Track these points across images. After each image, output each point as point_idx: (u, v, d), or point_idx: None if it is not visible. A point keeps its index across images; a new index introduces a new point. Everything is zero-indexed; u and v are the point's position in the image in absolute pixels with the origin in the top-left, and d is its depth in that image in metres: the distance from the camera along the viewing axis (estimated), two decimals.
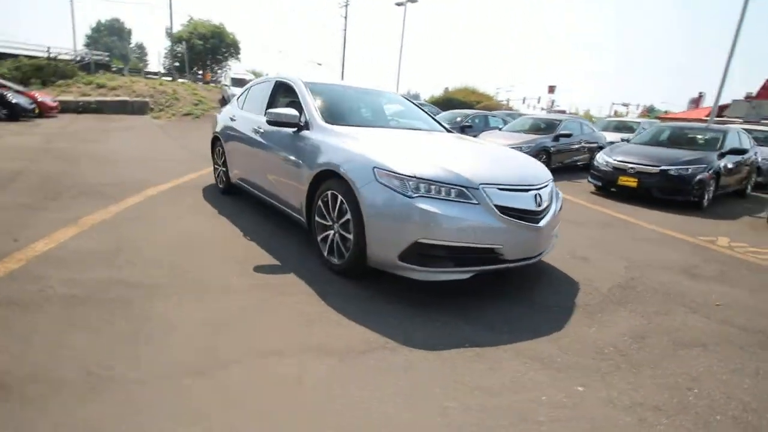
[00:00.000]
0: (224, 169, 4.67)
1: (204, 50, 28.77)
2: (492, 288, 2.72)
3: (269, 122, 3.24)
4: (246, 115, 4.20)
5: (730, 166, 6.49)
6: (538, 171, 2.86)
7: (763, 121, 19.76)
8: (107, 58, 19.14)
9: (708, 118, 23.48)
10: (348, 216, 2.54)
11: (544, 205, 2.60)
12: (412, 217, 2.24)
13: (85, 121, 11.93)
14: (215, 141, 4.91)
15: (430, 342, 2.04)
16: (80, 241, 3.02)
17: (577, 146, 9.15)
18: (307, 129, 3.13)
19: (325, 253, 2.84)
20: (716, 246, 4.31)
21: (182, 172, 5.83)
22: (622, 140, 7.99)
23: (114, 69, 18.93)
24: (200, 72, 29.25)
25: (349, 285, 2.61)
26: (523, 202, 2.47)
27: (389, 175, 2.34)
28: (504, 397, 1.69)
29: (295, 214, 3.27)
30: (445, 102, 23.89)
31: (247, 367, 1.76)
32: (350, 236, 2.56)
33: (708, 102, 34.19)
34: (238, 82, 16.63)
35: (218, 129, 4.76)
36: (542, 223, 2.54)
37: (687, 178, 5.91)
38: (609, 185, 6.52)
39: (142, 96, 15.56)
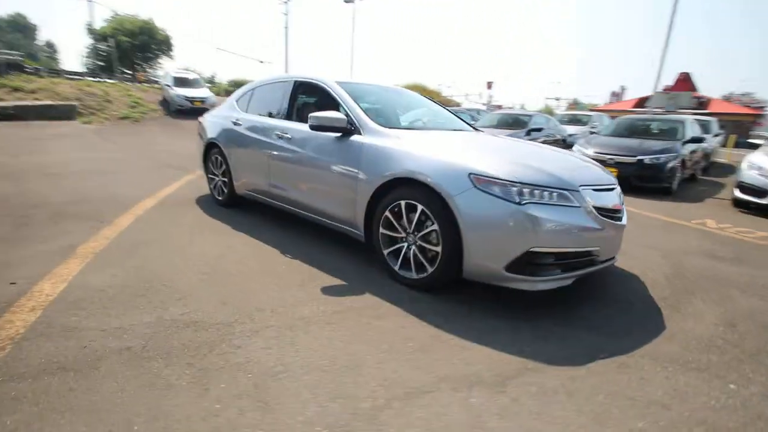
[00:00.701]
0: (224, 179, 4.18)
1: (132, 48, 25.93)
2: (563, 291, 2.66)
3: (313, 127, 2.91)
4: (257, 119, 3.77)
5: (691, 153, 7.15)
6: (605, 169, 2.86)
7: (678, 111, 22.33)
8: (20, 58, 16.56)
9: (636, 109, 25.81)
10: (434, 227, 2.33)
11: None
12: (523, 226, 2.09)
13: (5, 129, 10.27)
14: (210, 149, 4.38)
15: (567, 357, 1.91)
16: (94, 277, 2.49)
17: (548, 140, 9.57)
18: (357, 133, 2.85)
19: (397, 268, 2.60)
20: (711, 228, 4.67)
21: (155, 185, 5.16)
22: (591, 133, 8.47)
23: (29, 70, 16.44)
24: (128, 71, 26.47)
25: (438, 301, 2.40)
26: (611, 200, 2.44)
27: (490, 182, 2.17)
28: (678, 407, 1.61)
29: (342, 226, 2.97)
30: None
31: (402, 412, 1.51)
32: (436, 248, 2.36)
33: (629, 95, 37.87)
34: (182, 82, 15.32)
35: (213, 135, 4.25)
36: (624, 220, 2.53)
37: (660, 165, 6.40)
38: None
39: (67, 99, 13.73)
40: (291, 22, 27.43)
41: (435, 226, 2.33)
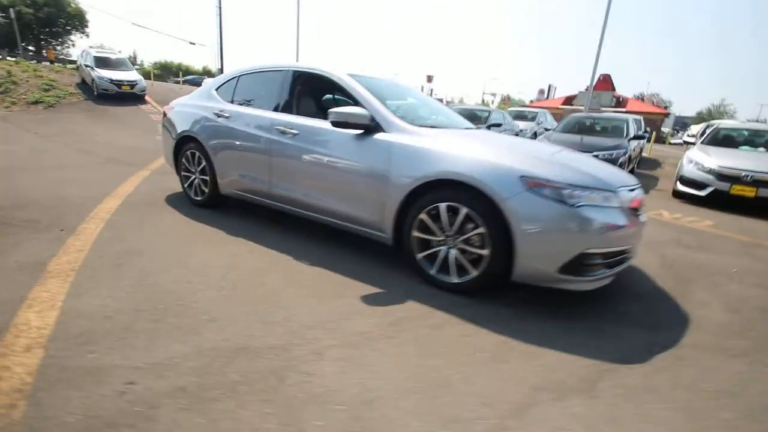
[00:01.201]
0: (204, 177, 3.76)
1: (36, 21, 22.01)
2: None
3: (335, 123, 2.69)
4: (250, 111, 3.40)
5: (634, 149, 7.89)
6: (621, 170, 2.99)
7: (602, 109, 24.62)
8: None
9: (564, 106, 27.78)
10: (480, 230, 2.28)
11: None
12: (578, 228, 2.11)
13: None
14: (183, 143, 3.90)
15: (629, 354, 1.97)
16: (89, 300, 2.08)
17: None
18: (381, 131, 2.68)
19: (433, 272, 2.51)
20: (667, 219, 5.19)
21: (108, 183, 4.52)
22: (546, 129, 8.96)
23: None
24: (32, 48, 22.68)
25: (483, 306, 2.35)
26: (637, 199, 2.56)
27: (542, 185, 2.15)
28: (745, 394, 1.73)
29: (364, 229, 2.80)
30: None
31: None
32: (481, 251, 2.30)
33: (558, 93, 40.87)
34: (105, 63, 13.57)
35: (187, 128, 3.79)
36: (644, 217, 2.68)
37: (612, 161, 6.97)
38: None
39: None
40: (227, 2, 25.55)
41: (482, 229, 2.27)
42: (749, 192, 5.60)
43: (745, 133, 6.98)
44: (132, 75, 13.66)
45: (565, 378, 1.75)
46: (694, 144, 10.20)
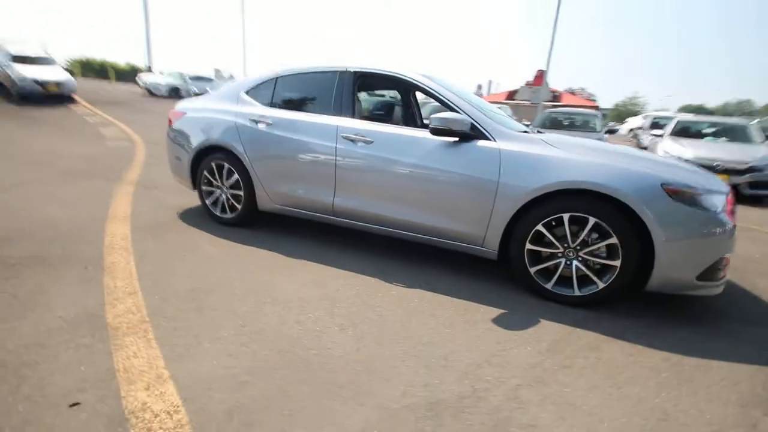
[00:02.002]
0: (236, 192, 3.29)
1: None
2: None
3: (435, 130, 2.43)
4: (302, 117, 3.00)
5: None
6: None
7: (542, 102, 26.21)
8: None
9: (508, 101, 29.12)
10: (611, 240, 2.18)
11: None
12: (720, 233, 2.09)
13: None
14: (205, 154, 3.38)
15: None
16: (203, 362, 1.65)
17: None
18: (484, 138, 2.48)
19: (550, 286, 2.38)
20: None
21: (94, 202, 3.82)
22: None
23: None
24: None
25: (615, 319, 2.26)
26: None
27: (681, 191, 2.10)
28: None
29: (460, 243, 2.59)
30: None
31: None
32: (611, 262, 2.21)
33: (499, 88, 42.90)
34: (24, 59, 11.66)
35: (215, 136, 3.28)
36: None
37: None
38: None
39: None
40: None
41: (612, 240, 2.18)
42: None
43: (706, 125, 7.73)
44: (59, 73, 11.89)
45: (758, 391, 1.71)
46: (643, 136, 11.11)
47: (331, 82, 3.00)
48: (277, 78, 3.26)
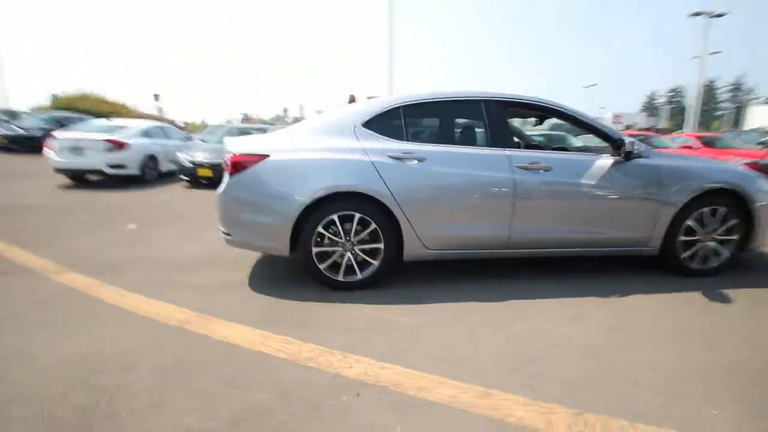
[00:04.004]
0: (374, 246, 2.72)
1: None
2: None
3: (628, 154, 2.72)
4: (462, 150, 2.75)
5: None
6: None
7: None
8: None
9: None
10: (733, 221, 2.99)
11: None
12: None
13: None
14: (325, 204, 2.63)
15: None
16: None
17: None
18: (640, 157, 2.90)
19: (695, 265, 3.03)
20: None
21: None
22: (201, 140, 9.15)
23: None
24: None
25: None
26: None
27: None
28: None
29: (629, 248, 2.98)
30: (67, 110, 17.05)
31: None
32: (731, 237, 3.04)
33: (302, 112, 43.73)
34: None
35: (349, 181, 2.64)
36: None
37: None
38: (194, 178, 7.85)
39: None
40: None
41: (734, 221, 3.00)
42: None
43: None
44: None
45: None
46: None
47: (478, 111, 2.88)
48: (400, 107, 2.86)
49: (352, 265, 2.74)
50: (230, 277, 3.00)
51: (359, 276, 2.75)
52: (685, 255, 3.02)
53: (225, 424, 1.51)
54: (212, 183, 7.39)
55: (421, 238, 2.75)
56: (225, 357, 1.96)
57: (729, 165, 3.31)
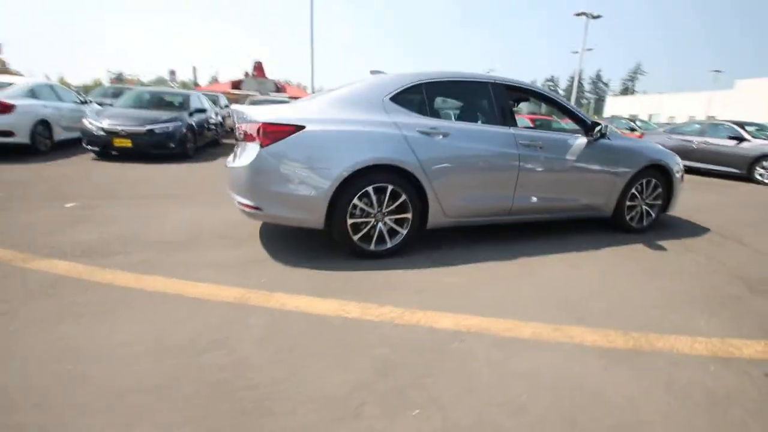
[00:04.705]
0: (401, 216, 2.90)
1: None
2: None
3: (602, 134, 3.30)
4: (478, 127, 3.03)
5: (200, 122, 7.98)
6: None
7: (271, 94, 26.59)
8: None
9: (235, 91, 27.80)
10: (660, 190, 3.87)
11: None
12: None
13: None
14: (360, 177, 2.70)
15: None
16: None
17: (213, 121, 9.12)
18: (604, 138, 3.52)
19: (635, 224, 3.86)
20: None
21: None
22: (104, 105, 8.53)
23: None
24: None
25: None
26: None
27: None
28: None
29: (589, 213, 3.65)
30: None
31: None
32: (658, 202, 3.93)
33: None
34: None
35: (385, 153, 2.74)
36: None
37: (171, 134, 6.91)
38: (107, 148, 6.81)
39: None
40: None
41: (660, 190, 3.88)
42: None
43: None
44: None
45: None
46: None
47: (488, 92, 3.19)
48: (422, 84, 3.01)
49: (383, 235, 2.87)
50: (243, 254, 2.87)
51: (389, 245, 2.90)
52: (628, 217, 3.82)
53: (374, 374, 1.62)
54: (127, 155, 6.90)
55: (443, 208, 3.00)
56: (320, 324, 2.00)
57: (657, 145, 4.22)
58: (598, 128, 3.39)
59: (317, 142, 2.64)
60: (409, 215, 2.89)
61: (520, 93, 3.55)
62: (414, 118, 2.89)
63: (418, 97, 3.00)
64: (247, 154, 2.69)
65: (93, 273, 2.46)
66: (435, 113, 3.08)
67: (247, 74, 29.45)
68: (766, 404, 1.60)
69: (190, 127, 7.48)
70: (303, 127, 2.62)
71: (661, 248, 3.51)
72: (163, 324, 1.94)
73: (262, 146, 2.58)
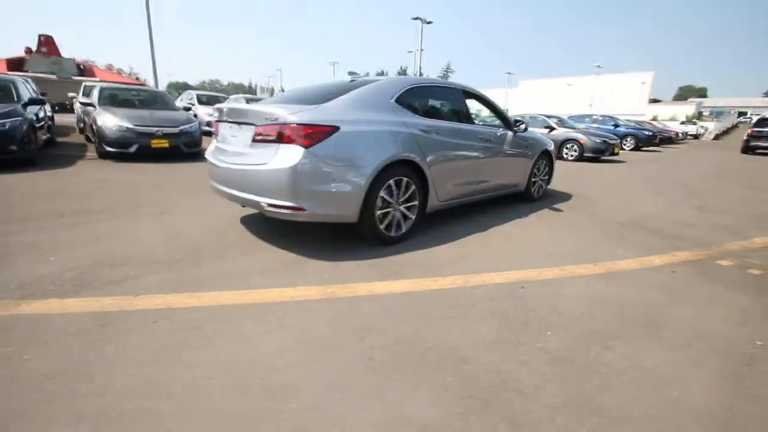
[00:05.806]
0: (411, 204, 3.38)
1: None
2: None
3: (525, 128, 4.31)
4: (454, 125, 3.70)
5: (40, 117, 6.85)
6: None
7: (73, 78, 20.97)
8: None
9: (17, 73, 21.23)
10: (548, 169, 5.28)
11: None
12: None
13: None
14: (383, 171, 3.03)
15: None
16: None
17: (49, 114, 8.26)
18: (512, 130, 4.61)
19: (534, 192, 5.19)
20: None
21: None
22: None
23: None
24: None
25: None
26: None
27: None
28: None
29: (510, 190, 4.76)
30: None
31: None
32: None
33: None
34: None
35: (402, 150, 3.14)
36: None
37: (8, 133, 5.48)
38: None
39: None
40: None
41: (546, 168, 5.30)
42: None
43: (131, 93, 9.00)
44: None
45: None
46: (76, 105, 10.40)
47: (448, 95, 3.89)
48: (414, 88, 3.48)
49: (399, 222, 3.28)
50: (269, 258, 2.86)
51: (403, 230, 3.33)
52: (532, 189, 5.12)
53: (505, 322, 2.12)
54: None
55: (437, 194, 3.57)
56: (423, 301, 2.33)
57: (543, 136, 5.64)
58: (522, 125, 4.48)
59: (351, 142, 2.85)
60: (416, 202, 3.37)
61: (470, 96, 4.37)
62: (414, 118, 3.35)
63: (413, 99, 3.46)
64: (281, 156, 2.69)
65: (142, 302, 2.16)
66: (426, 114, 3.58)
67: (30, 51, 22.85)
68: (677, 285, 2.73)
69: (30, 123, 6.06)
70: (338, 128, 2.79)
71: (559, 210, 4.87)
72: (288, 334, 1.99)
73: (305, 147, 2.65)
